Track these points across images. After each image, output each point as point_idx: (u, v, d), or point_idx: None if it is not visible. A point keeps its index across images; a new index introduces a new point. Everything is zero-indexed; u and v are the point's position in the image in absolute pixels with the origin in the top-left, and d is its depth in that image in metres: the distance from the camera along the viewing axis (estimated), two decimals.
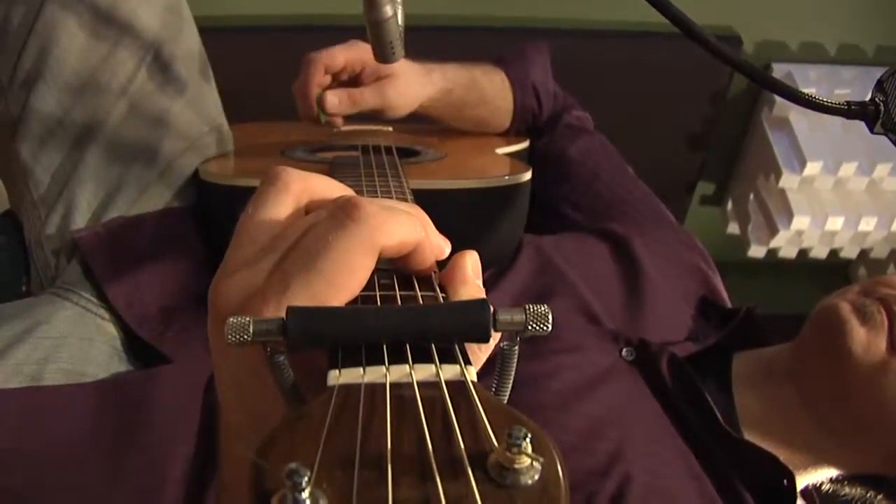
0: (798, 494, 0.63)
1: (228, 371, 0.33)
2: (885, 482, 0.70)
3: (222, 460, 0.36)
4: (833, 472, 0.69)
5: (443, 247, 0.35)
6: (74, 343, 0.64)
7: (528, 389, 0.62)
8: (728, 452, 0.62)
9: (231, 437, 0.35)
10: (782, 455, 0.62)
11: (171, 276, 0.72)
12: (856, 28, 1.41)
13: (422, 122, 0.90)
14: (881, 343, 0.64)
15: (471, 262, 0.34)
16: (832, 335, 0.65)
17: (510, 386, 0.29)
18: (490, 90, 0.92)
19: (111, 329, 0.68)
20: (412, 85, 0.82)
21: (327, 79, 0.80)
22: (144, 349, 0.67)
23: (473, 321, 0.27)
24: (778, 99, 1.37)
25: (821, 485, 0.70)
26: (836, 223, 1.38)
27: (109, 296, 0.68)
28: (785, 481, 0.61)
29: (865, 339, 0.64)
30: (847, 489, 0.71)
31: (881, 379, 0.63)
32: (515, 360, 0.29)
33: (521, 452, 0.20)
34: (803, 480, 0.68)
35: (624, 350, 0.68)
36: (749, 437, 0.66)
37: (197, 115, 0.78)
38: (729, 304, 0.83)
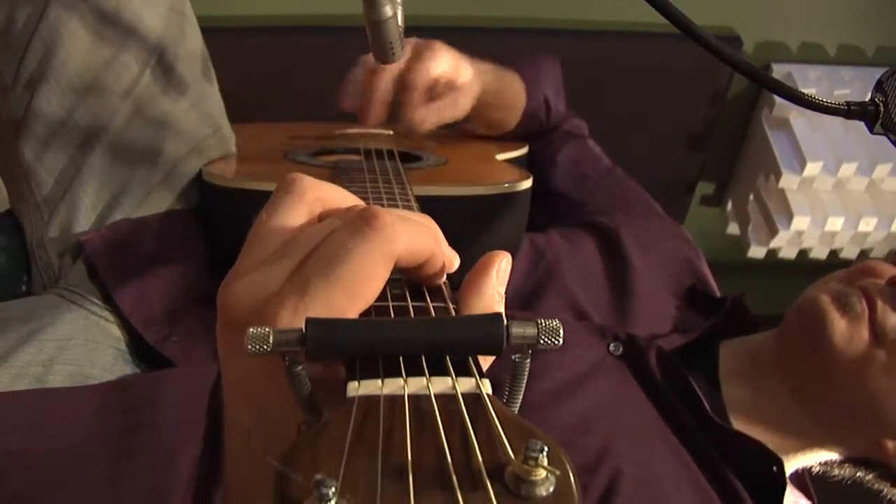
0: (788, 479, 0.64)
1: (238, 373, 0.33)
2: (876, 464, 0.70)
3: (227, 458, 0.36)
4: (824, 456, 0.70)
5: (452, 259, 0.35)
6: (79, 345, 0.64)
7: None
8: (717, 442, 0.62)
9: (237, 435, 0.35)
10: (771, 441, 0.62)
11: (175, 278, 0.72)
12: (856, 28, 1.41)
13: None
14: (863, 333, 0.64)
15: (500, 267, 0.34)
16: (813, 328, 0.66)
17: (521, 397, 0.30)
18: (509, 95, 0.92)
19: (116, 331, 0.68)
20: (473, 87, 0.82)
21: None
22: (150, 351, 0.67)
23: (487, 335, 0.28)
24: (778, 99, 1.37)
25: (811, 468, 0.71)
26: (836, 223, 1.38)
27: (115, 298, 0.68)
28: (774, 468, 0.61)
29: (847, 331, 0.64)
30: (837, 471, 0.72)
31: (865, 370, 0.64)
32: (527, 371, 0.29)
33: (537, 465, 0.21)
34: (794, 464, 0.69)
35: (611, 345, 0.68)
36: (738, 425, 0.66)
37: (200, 117, 0.78)
38: (717, 293, 0.83)
